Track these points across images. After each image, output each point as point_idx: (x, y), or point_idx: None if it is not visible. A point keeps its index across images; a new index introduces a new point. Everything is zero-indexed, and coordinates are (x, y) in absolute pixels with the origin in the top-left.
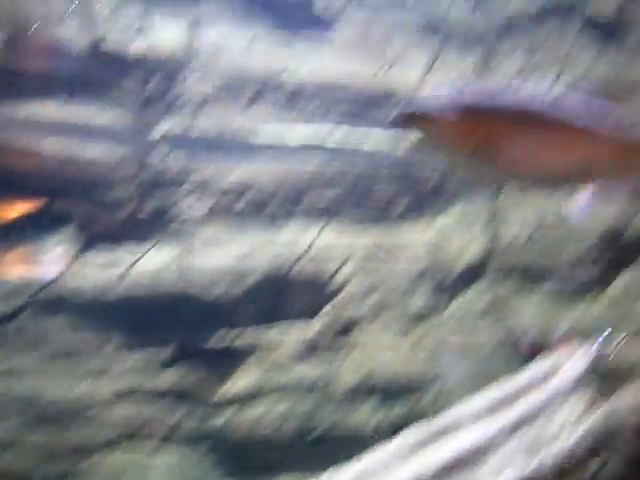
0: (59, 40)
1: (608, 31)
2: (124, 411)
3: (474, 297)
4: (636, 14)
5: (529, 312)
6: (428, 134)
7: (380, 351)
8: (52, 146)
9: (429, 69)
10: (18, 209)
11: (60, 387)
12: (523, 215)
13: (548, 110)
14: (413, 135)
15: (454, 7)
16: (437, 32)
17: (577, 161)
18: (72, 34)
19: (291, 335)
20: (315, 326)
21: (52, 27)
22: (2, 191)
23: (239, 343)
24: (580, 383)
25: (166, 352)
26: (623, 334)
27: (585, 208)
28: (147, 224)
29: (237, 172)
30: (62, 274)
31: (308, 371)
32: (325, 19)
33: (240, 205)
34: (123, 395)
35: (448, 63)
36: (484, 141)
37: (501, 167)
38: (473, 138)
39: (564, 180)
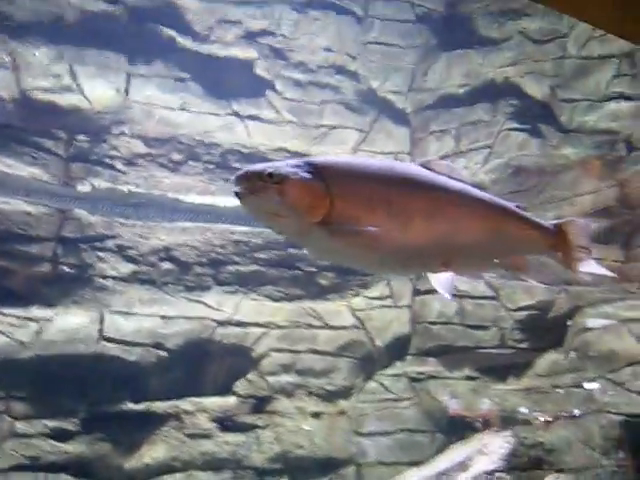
0: None
1: (538, 114)
2: None
3: (395, 374)
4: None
5: (451, 391)
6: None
7: (297, 427)
8: None
9: (359, 143)
10: None
11: None
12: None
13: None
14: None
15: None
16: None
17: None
18: (0, 85)
19: (207, 406)
20: (232, 399)
21: None
22: None
23: (153, 411)
24: (502, 467)
25: (73, 421)
26: (543, 415)
27: (447, 286)
28: (65, 282)
29: (161, 234)
30: None
31: (223, 445)
32: (262, 84)
33: (162, 268)
34: (20, 467)
35: (378, 139)
36: (340, 213)
37: (357, 240)
38: (323, 208)
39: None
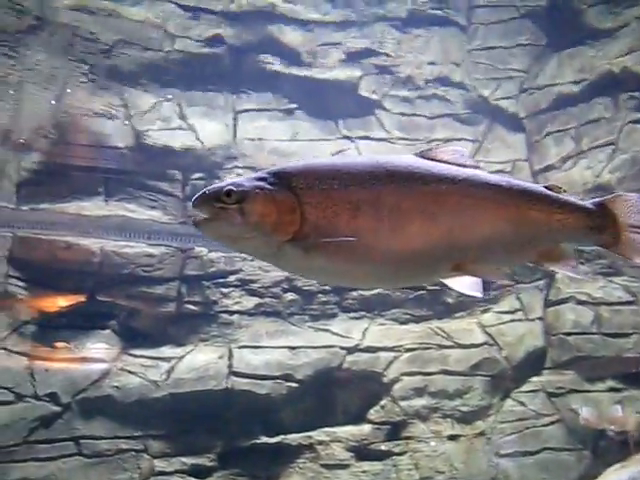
0: (103, 137)
1: None
2: None
3: (533, 390)
4: None
5: (593, 404)
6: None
7: (435, 452)
8: (96, 242)
9: (474, 154)
10: (60, 303)
11: None
12: (580, 302)
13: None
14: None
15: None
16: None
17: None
18: (115, 131)
19: (341, 435)
20: (366, 426)
21: (96, 125)
22: (45, 285)
23: (287, 444)
24: None
25: (209, 457)
26: None
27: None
28: (192, 320)
29: None
30: (106, 372)
31: (360, 474)
32: (369, 103)
33: (286, 299)
34: None
35: (493, 149)
36: (314, 225)
37: (340, 253)
38: (293, 222)
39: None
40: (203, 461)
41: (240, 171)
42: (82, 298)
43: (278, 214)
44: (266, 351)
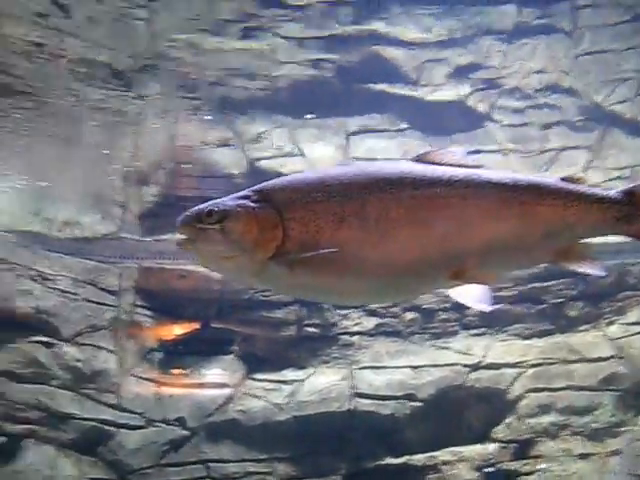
0: (217, 167)
1: None
2: None
3: None
4: None
5: None
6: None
7: (564, 472)
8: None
9: (590, 162)
10: (184, 331)
11: None
12: None
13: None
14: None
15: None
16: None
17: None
18: (228, 160)
19: (467, 455)
20: (492, 445)
21: (210, 155)
22: (170, 313)
23: (412, 464)
24: None
25: (335, 479)
26: None
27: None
28: (312, 343)
29: None
30: (230, 397)
31: None
32: (479, 117)
33: (406, 319)
34: None
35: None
36: (297, 240)
37: (325, 268)
38: (274, 239)
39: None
40: None
41: None
42: (206, 325)
43: (259, 231)
44: (388, 371)
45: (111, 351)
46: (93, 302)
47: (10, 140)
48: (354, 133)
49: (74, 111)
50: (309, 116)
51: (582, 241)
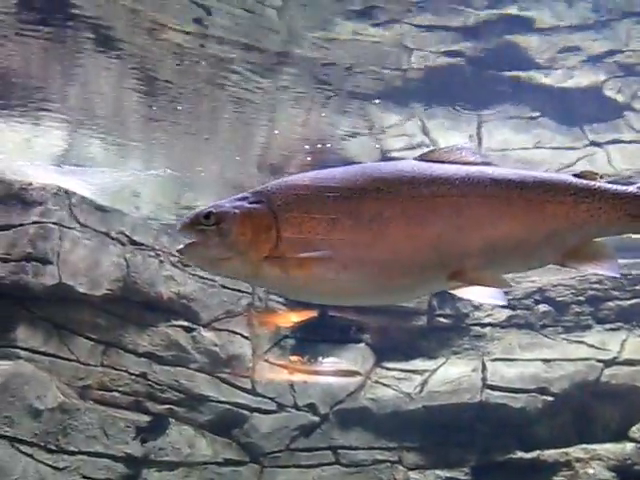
0: (350, 157)
1: None
2: None
3: None
4: None
5: None
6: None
7: None
8: None
9: None
10: (292, 319)
11: None
12: None
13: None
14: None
15: None
16: None
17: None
18: (361, 150)
19: (601, 453)
20: (628, 445)
21: (343, 145)
22: (294, 301)
23: (543, 460)
24: None
25: (464, 470)
26: None
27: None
28: (443, 333)
29: (534, 276)
30: (361, 385)
31: None
32: (616, 105)
33: (539, 311)
34: None
35: None
36: (290, 241)
37: (317, 269)
38: (268, 240)
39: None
40: (457, 474)
41: None
42: (338, 313)
43: (253, 232)
44: (520, 364)
45: (246, 337)
46: (229, 288)
47: (156, 134)
48: (487, 122)
49: (212, 105)
50: (377, 101)
51: (596, 240)
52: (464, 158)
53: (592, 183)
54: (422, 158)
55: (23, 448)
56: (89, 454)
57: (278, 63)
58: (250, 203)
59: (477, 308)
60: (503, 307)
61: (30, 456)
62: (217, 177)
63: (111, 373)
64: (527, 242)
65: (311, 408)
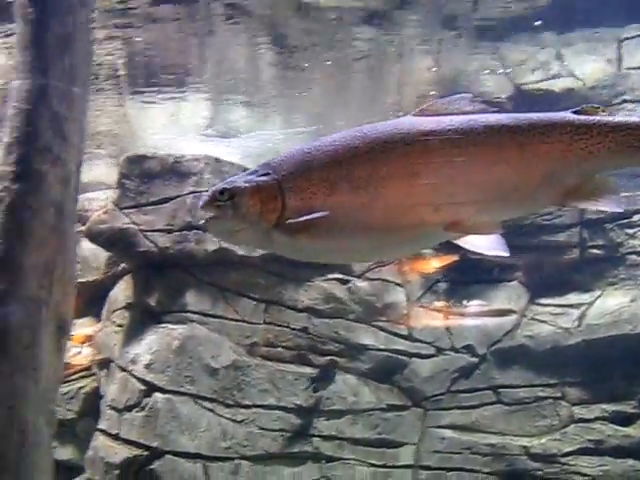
0: (483, 94)
1: None
2: (588, 467)
3: None
4: None
5: None
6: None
7: None
8: None
9: None
10: (439, 264)
11: (521, 442)
12: None
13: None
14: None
15: None
16: None
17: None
18: (494, 85)
19: None
20: None
21: (473, 81)
22: (443, 245)
23: None
24: None
25: (630, 404)
26: None
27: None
28: (596, 265)
29: None
30: (517, 323)
31: None
32: None
33: None
34: (584, 451)
35: None
36: (295, 208)
37: (321, 232)
38: (275, 209)
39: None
40: (624, 408)
41: (630, 106)
42: (454, 257)
43: (262, 203)
44: None
45: (399, 284)
46: None
47: (292, 93)
48: (628, 39)
49: (342, 58)
50: (537, 23)
51: (597, 175)
52: (463, 108)
53: (591, 118)
54: (420, 113)
55: (205, 404)
56: (263, 407)
57: (401, 7)
58: (259, 176)
59: (632, 236)
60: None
61: (212, 411)
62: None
63: (274, 330)
64: (523, 186)
65: (469, 349)
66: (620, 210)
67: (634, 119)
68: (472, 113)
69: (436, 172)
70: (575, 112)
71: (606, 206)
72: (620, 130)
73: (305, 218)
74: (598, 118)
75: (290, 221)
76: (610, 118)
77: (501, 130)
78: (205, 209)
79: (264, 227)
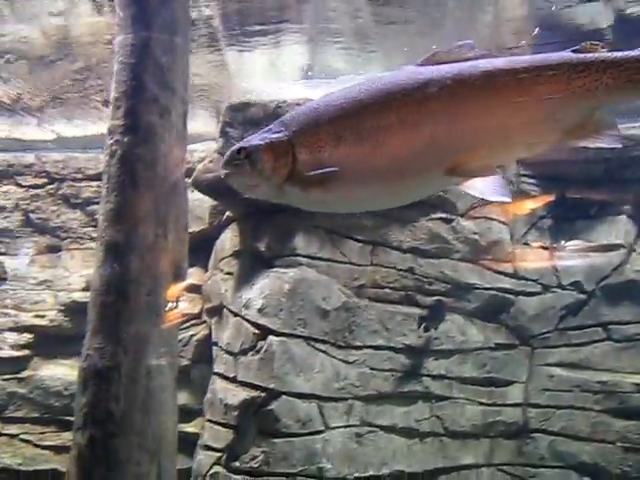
0: (580, 23)
1: None
2: None
3: None
4: None
5: None
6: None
7: None
8: None
9: None
10: (536, 202)
11: (633, 379)
12: None
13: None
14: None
15: None
16: None
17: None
18: (591, 14)
19: None
20: None
21: (570, 11)
22: (555, 180)
23: None
24: None
25: None
26: None
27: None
28: None
29: None
30: (625, 258)
31: None
32: None
33: None
34: None
35: None
36: (305, 162)
37: (330, 183)
38: (286, 165)
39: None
40: None
41: None
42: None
43: (274, 159)
44: None
45: (503, 222)
46: None
47: (389, 35)
48: None
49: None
50: None
51: (596, 112)
52: (464, 55)
53: (589, 56)
54: (423, 63)
55: (318, 346)
56: (373, 348)
57: None
58: (273, 133)
59: None
60: None
61: (324, 352)
62: None
63: (381, 271)
64: (523, 128)
65: (576, 286)
66: (619, 146)
67: (632, 53)
68: (474, 59)
69: (435, 119)
70: (574, 51)
71: (606, 143)
72: (618, 65)
73: (314, 173)
74: (596, 55)
75: (301, 175)
76: (608, 54)
77: (497, 74)
78: (225, 167)
79: (278, 181)
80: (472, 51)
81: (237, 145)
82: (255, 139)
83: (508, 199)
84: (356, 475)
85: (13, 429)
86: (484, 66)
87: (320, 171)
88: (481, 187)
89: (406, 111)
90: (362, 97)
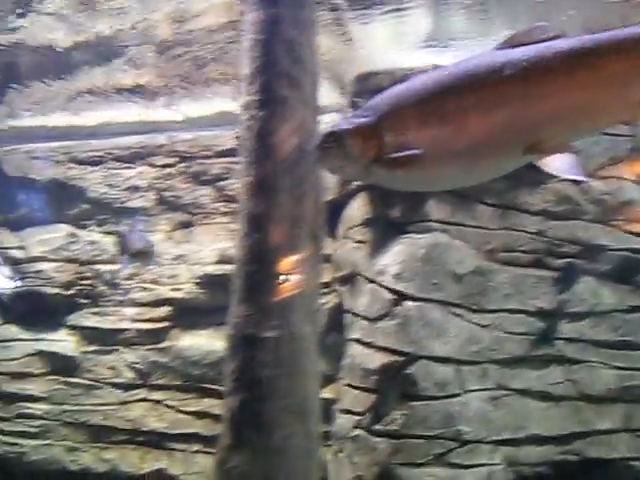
0: None
1: None
2: None
3: None
4: None
5: None
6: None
7: None
8: None
9: None
10: None
11: None
12: None
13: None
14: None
15: None
16: None
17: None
18: None
19: None
20: None
21: None
22: None
23: None
24: None
25: None
26: None
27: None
28: None
29: None
30: None
31: None
32: None
33: None
34: None
35: None
36: (392, 145)
37: (415, 164)
38: (373, 147)
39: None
40: None
41: None
42: None
43: (363, 142)
44: None
45: (634, 181)
46: (609, 134)
47: None
48: None
49: None
50: None
51: None
52: (542, 36)
53: None
54: (502, 46)
55: (453, 310)
56: (506, 311)
57: None
58: (360, 118)
59: None
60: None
61: (459, 316)
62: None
63: (512, 234)
64: (598, 105)
65: None
66: None
67: None
68: (548, 40)
69: (513, 101)
70: None
71: None
72: None
73: (399, 155)
74: None
75: (387, 157)
76: None
77: (571, 53)
78: (317, 150)
79: (365, 163)
80: (546, 33)
81: (327, 129)
82: (344, 124)
83: (582, 177)
84: (493, 438)
85: (158, 395)
86: (559, 46)
87: (404, 153)
88: (557, 165)
89: (485, 94)
90: (444, 81)
